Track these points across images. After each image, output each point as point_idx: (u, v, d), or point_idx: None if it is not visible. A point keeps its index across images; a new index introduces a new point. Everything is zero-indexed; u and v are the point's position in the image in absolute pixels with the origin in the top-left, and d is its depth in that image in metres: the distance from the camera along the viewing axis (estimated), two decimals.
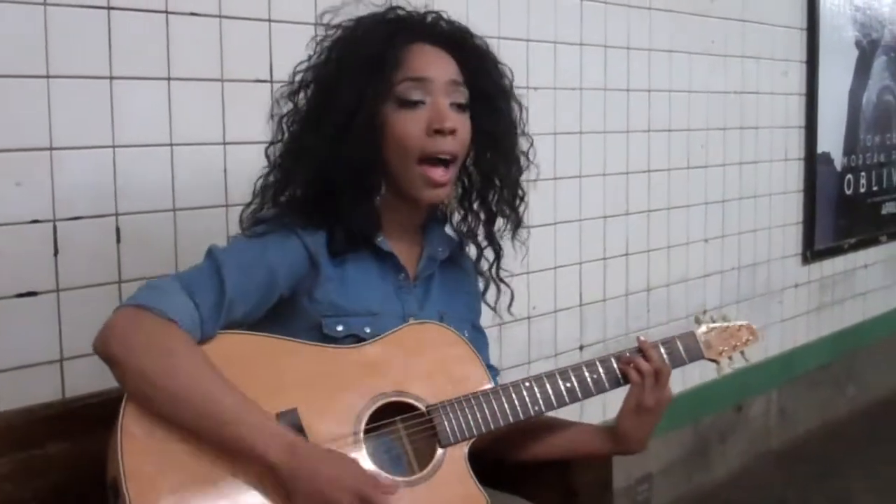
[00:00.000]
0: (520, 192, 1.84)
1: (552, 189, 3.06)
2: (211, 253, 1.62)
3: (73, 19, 1.94)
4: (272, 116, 1.77)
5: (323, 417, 1.60)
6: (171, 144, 2.10)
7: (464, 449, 1.70)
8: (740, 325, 2.01)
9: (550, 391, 1.78)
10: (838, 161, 4.48)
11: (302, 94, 1.73)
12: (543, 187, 3.01)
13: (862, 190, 4.68)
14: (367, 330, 1.69)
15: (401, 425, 1.68)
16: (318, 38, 1.75)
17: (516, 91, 1.82)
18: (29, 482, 1.69)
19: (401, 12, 1.75)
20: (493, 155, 1.79)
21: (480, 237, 1.87)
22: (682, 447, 3.74)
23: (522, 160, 1.83)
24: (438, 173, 1.68)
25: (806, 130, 4.26)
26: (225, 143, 2.19)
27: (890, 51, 4.80)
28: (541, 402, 1.77)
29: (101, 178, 2.00)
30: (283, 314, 1.68)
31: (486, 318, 1.99)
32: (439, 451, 1.67)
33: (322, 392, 1.62)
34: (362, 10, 1.75)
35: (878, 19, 4.69)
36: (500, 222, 1.85)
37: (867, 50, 4.63)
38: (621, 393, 1.84)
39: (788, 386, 4.33)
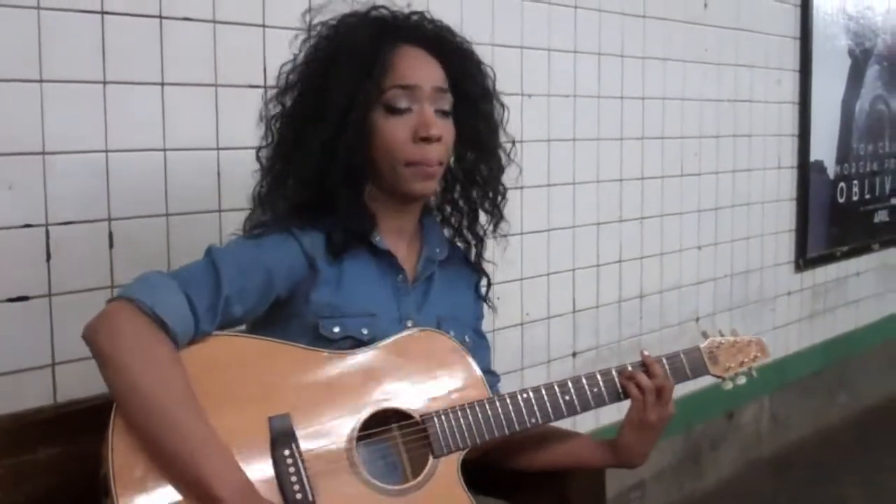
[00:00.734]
0: (501, 189, 1.84)
1: (545, 196, 3.06)
2: (209, 252, 1.62)
3: (67, 23, 1.94)
4: (261, 119, 1.77)
5: (316, 423, 1.59)
6: (164, 149, 2.10)
7: (456, 459, 1.69)
8: (749, 341, 1.97)
9: (548, 403, 1.76)
10: (831, 169, 4.49)
11: (289, 96, 1.73)
12: (537, 194, 3.02)
13: (854, 198, 4.70)
14: (364, 331, 1.69)
15: (397, 433, 1.68)
16: (303, 38, 1.75)
17: (501, 93, 1.83)
18: (20, 487, 1.68)
19: (384, 12, 1.75)
20: (476, 155, 1.80)
21: (464, 231, 1.88)
22: (673, 454, 3.75)
23: (504, 159, 1.83)
24: (429, 170, 1.71)
25: (799, 139, 4.28)
26: (218, 149, 2.19)
27: (883, 60, 4.81)
28: (538, 414, 1.75)
29: (94, 183, 2.00)
30: (280, 315, 1.67)
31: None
32: (431, 460, 1.67)
33: (316, 397, 1.61)
34: (346, 10, 1.75)
35: (871, 28, 4.70)
36: (482, 218, 1.86)
37: (860, 59, 4.65)
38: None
39: (780, 393, 4.34)
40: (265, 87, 2.24)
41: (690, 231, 3.71)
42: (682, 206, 3.66)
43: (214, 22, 2.17)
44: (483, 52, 1.80)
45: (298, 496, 1.53)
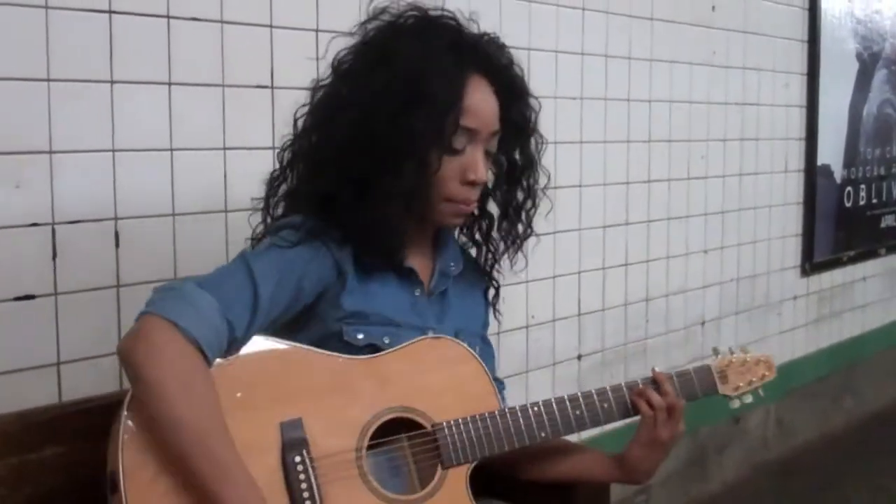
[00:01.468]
0: (530, 226, 1.84)
1: (552, 198, 3.05)
2: (246, 262, 1.58)
3: (74, 22, 1.94)
4: (307, 105, 1.73)
5: (327, 429, 1.59)
6: (171, 149, 2.10)
7: (465, 471, 1.69)
8: (758, 360, 1.96)
9: (559, 418, 1.76)
10: (838, 173, 4.48)
11: (350, 85, 1.67)
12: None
13: (861, 202, 4.69)
14: (387, 340, 1.68)
15: (406, 443, 1.67)
16: (366, 31, 1.70)
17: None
18: (23, 487, 1.67)
19: (452, 23, 1.71)
20: (511, 187, 1.80)
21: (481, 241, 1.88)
22: (679, 458, 3.73)
23: (539, 195, 1.83)
24: (466, 210, 1.72)
25: (806, 142, 4.27)
26: (225, 149, 2.19)
27: (891, 64, 4.80)
28: (548, 427, 1.75)
29: (101, 182, 2.00)
30: (304, 320, 1.67)
31: None
32: (440, 471, 1.66)
33: (329, 403, 1.61)
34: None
35: (879, 32, 4.69)
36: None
37: (868, 63, 4.64)
38: None
39: (786, 398, 4.33)
40: (272, 87, 2.24)
41: (697, 235, 3.70)
42: (689, 210, 3.65)
43: (222, 22, 2.17)
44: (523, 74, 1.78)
45: (308, 503, 1.53)
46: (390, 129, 1.61)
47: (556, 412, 1.76)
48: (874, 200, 4.78)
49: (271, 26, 2.27)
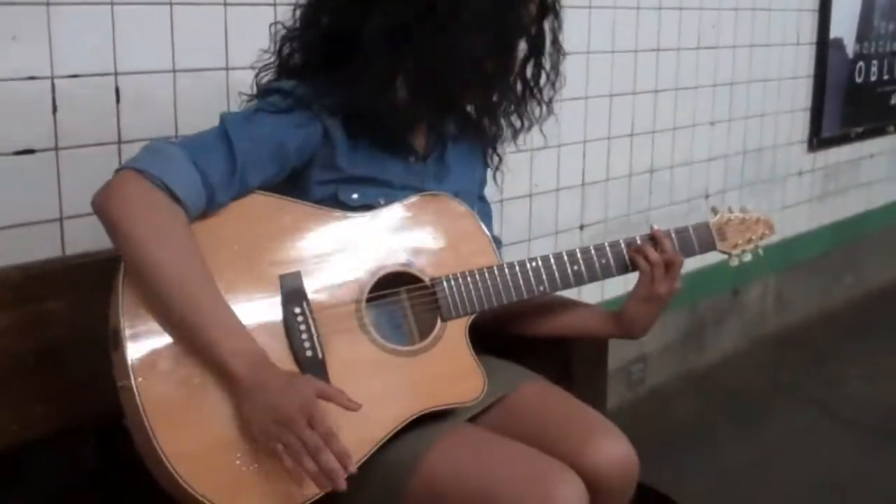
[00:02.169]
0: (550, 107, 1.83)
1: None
2: (222, 121, 1.59)
3: None
4: None
5: (326, 283, 1.61)
6: (170, 3, 2.05)
7: (464, 323, 1.70)
8: (757, 218, 1.97)
9: (557, 273, 1.78)
10: (850, 47, 4.40)
11: None
12: None
13: (873, 79, 4.61)
14: (382, 201, 1.69)
15: (405, 296, 1.69)
16: None
17: None
18: (27, 337, 1.70)
19: None
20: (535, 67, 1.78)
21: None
22: (677, 329, 3.78)
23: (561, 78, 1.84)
24: None
25: (819, 14, 4.18)
26: (225, 4, 2.14)
27: None
28: (546, 282, 1.77)
29: (100, 36, 1.96)
30: (300, 185, 1.66)
31: (487, 194, 1.98)
32: (440, 323, 1.68)
33: (327, 257, 1.62)
34: None
35: None
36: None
37: None
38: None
39: (787, 272, 4.35)
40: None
41: (704, 106, 3.66)
42: (698, 81, 3.60)
43: None
44: None
45: (308, 353, 1.55)
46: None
47: (555, 267, 1.78)
48: (885, 77, 4.71)
49: None
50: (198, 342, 1.45)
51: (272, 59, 1.74)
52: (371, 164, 1.69)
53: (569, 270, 1.79)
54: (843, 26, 4.32)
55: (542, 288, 1.77)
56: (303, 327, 1.55)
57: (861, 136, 4.61)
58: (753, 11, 3.80)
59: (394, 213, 1.69)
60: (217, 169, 1.52)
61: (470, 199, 1.82)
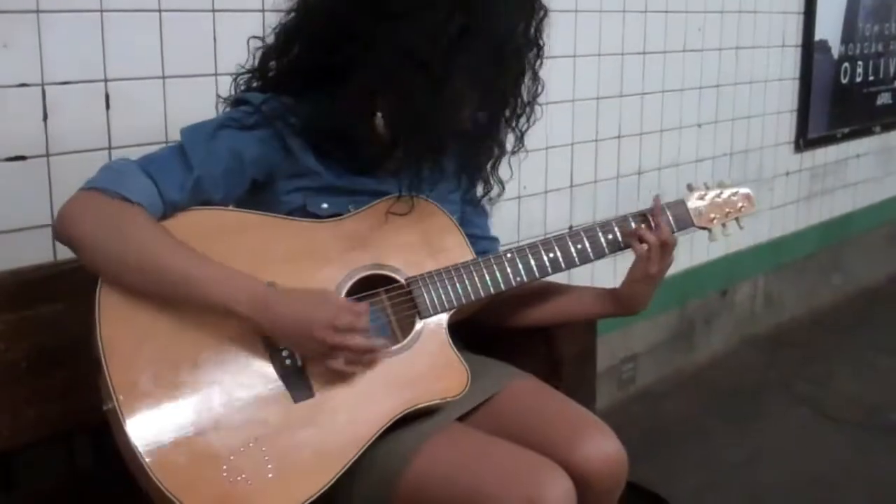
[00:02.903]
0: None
1: (546, 69, 3.02)
2: (181, 134, 1.61)
3: None
4: None
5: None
6: (159, 10, 2.07)
7: (443, 320, 1.72)
8: (736, 192, 1.95)
9: (533, 262, 1.79)
10: (835, 49, 4.44)
11: None
12: None
13: (858, 79, 4.65)
14: (351, 208, 1.70)
15: (384, 296, 1.70)
16: None
17: None
18: (19, 343, 1.71)
19: None
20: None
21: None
22: (667, 329, 3.80)
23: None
24: None
25: (804, 16, 4.21)
26: (214, 11, 2.16)
27: None
28: (523, 273, 1.78)
29: (90, 43, 1.98)
30: (266, 198, 1.68)
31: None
32: (419, 322, 1.70)
33: (300, 265, 1.63)
34: None
35: None
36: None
37: None
38: (609, 260, 1.85)
39: (775, 273, 4.37)
40: None
41: (691, 108, 3.68)
42: (684, 83, 3.62)
43: None
44: None
45: (287, 362, 1.56)
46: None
47: (530, 256, 1.79)
48: (871, 77, 4.74)
49: None
50: (197, 303, 1.48)
51: (250, 70, 1.75)
52: (340, 177, 1.70)
53: (545, 258, 1.79)
54: (829, 28, 4.35)
55: (518, 279, 1.78)
56: None
57: (847, 137, 4.64)
58: (739, 14, 3.83)
59: (363, 217, 1.69)
60: (171, 179, 1.54)
61: (451, 205, 1.83)
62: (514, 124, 1.75)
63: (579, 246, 1.82)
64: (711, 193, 1.93)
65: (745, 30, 3.89)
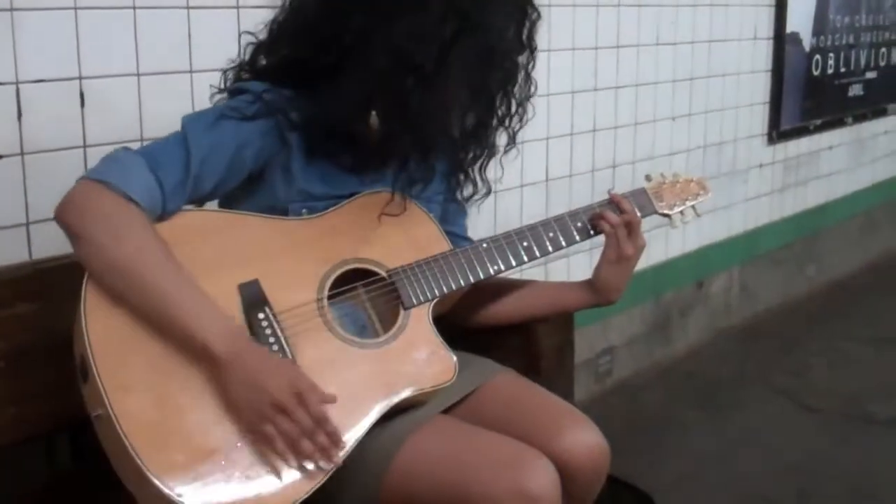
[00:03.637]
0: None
1: None
2: (183, 125, 1.61)
3: None
4: None
5: (285, 286, 1.62)
6: (133, 7, 2.06)
7: (427, 310, 1.73)
8: (690, 180, 2.03)
9: (508, 250, 1.82)
10: (807, 41, 4.47)
11: None
12: None
13: (829, 71, 4.68)
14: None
15: (362, 290, 1.71)
16: None
17: None
18: None
19: None
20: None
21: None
22: (643, 321, 3.81)
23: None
24: None
25: (776, 9, 4.24)
26: (189, 8, 2.16)
27: None
28: (499, 261, 1.81)
29: (64, 41, 1.97)
30: (253, 188, 1.68)
31: None
32: (402, 313, 1.71)
33: (282, 262, 1.64)
34: None
35: None
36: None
37: None
38: (586, 257, 1.87)
39: (750, 264, 4.40)
40: None
41: (665, 101, 3.70)
42: (658, 76, 3.64)
43: None
44: None
45: (278, 356, 1.56)
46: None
47: (505, 245, 1.82)
48: (842, 69, 4.78)
49: None
50: (174, 331, 1.47)
51: (240, 65, 1.75)
52: (323, 182, 1.71)
53: (519, 247, 1.83)
54: (800, 21, 4.38)
55: (496, 267, 1.80)
56: (268, 331, 1.56)
57: (820, 129, 4.67)
58: (711, 7, 3.85)
59: (341, 214, 1.71)
60: (173, 176, 1.55)
61: (431, 204, 1.84)
62: (506, 124, 1.78)
63: (551, 234, 1.86)
64: (668, 182, 2.00)
65: (718, 23, 3.91)
